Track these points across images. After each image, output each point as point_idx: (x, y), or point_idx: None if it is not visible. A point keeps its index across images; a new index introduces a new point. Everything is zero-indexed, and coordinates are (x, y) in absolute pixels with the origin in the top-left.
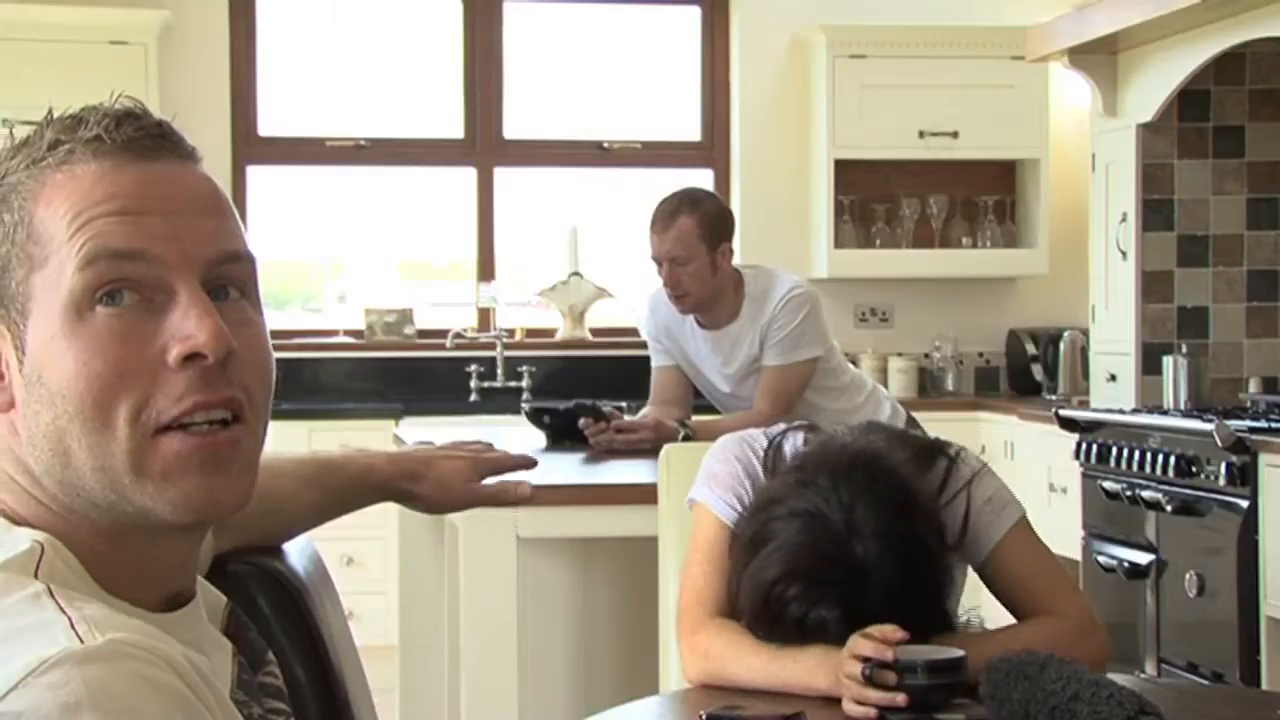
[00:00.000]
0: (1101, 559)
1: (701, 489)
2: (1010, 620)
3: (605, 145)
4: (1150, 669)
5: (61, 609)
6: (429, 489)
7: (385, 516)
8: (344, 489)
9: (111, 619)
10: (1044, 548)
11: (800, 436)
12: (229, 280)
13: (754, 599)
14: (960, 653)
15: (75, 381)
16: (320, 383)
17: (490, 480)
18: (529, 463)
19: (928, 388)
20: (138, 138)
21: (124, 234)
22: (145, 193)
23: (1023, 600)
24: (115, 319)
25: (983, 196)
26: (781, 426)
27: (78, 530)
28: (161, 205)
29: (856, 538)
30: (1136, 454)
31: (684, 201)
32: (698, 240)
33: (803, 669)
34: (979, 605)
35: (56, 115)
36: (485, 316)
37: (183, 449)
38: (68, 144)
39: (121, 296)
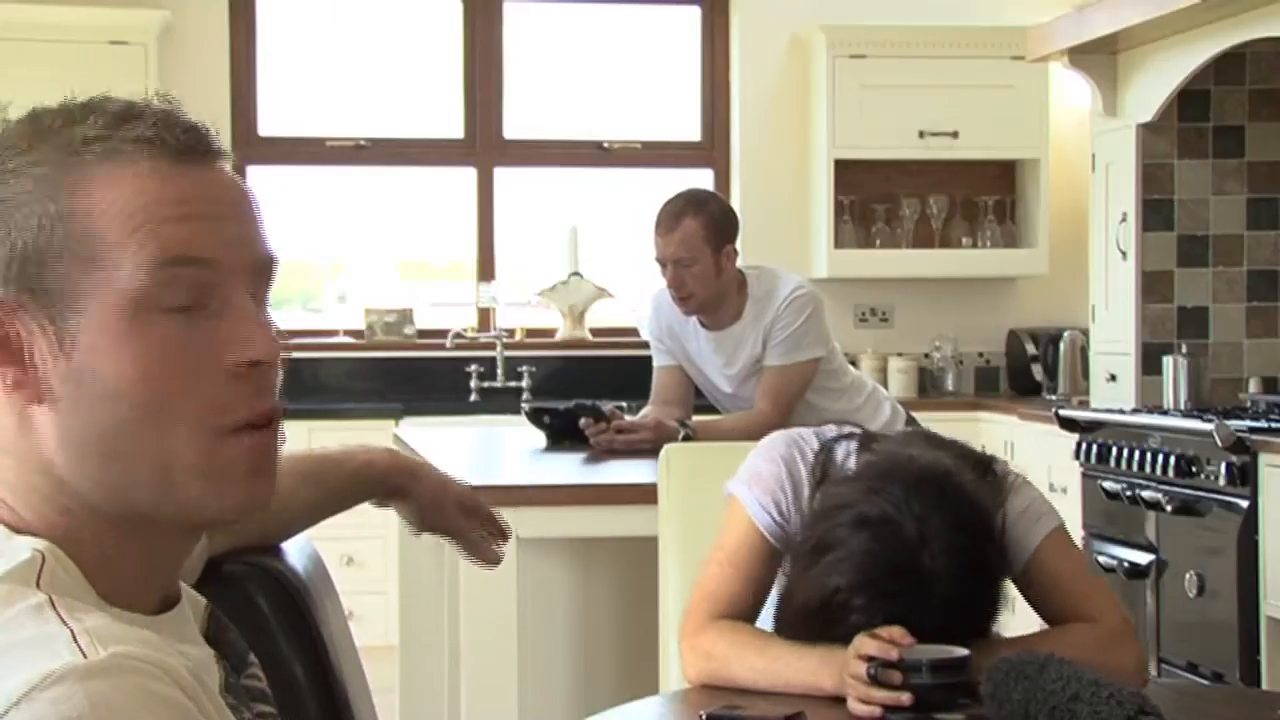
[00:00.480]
0: (1101, 559)
1: (741, 485)
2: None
3: (605, 145)
4: (1150, 669)
5: (64, 621)
6: (426, 490)
7: (385, 516)
8: (342, 485)
9: (113, 631)
10: (1080, 556)
11: (853, 444)
12: (263, 285)
13: (812, 601)
14: (965, 652)
15: (135, 383)
16: (320, 383)
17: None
18: (505, 534)
19: (928, 388)
20: (190, 141)
21: (186, 239)
22: (204, 196)
23: (1057, 605)
24: (174, 322)
25: (983, 196)
26: (834, 431)
27: (83, 530)
28: (218, 210)
29: (926, 549)
30: (1136, 454)
31: (689, 203)
32: (702, 242)
33: (807, 668)
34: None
35: (78, 103)
36: (485, 316)
37: (250, 444)
38: (111, 139)
39: (181, 300)
